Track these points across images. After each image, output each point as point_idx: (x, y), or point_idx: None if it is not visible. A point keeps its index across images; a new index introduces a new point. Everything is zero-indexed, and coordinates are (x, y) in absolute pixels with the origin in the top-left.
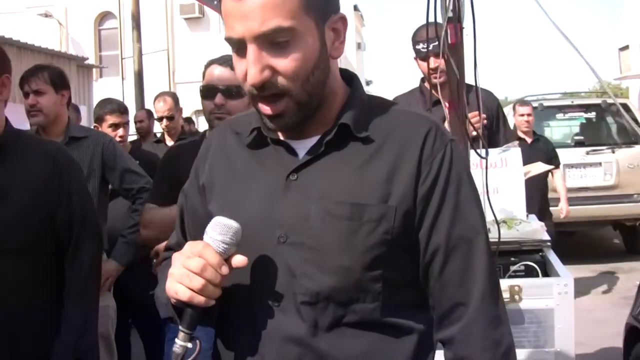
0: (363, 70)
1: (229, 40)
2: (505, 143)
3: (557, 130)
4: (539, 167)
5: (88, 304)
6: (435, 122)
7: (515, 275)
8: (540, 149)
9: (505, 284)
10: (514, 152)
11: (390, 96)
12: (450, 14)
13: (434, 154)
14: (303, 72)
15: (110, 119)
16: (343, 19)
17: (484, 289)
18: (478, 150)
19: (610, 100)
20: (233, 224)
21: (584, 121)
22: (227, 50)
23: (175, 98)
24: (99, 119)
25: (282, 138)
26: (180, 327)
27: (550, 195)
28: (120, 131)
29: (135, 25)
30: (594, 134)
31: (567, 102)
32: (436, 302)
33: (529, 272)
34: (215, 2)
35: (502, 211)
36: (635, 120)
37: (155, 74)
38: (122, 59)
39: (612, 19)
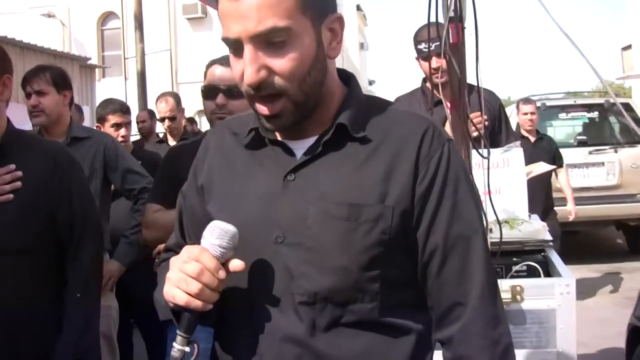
0: (366, 70)
1: (225, 40)
2: (507, 143)
3: (560, 130)
4: (541, 167)
5: (89, 303)
6: (432, 121)
7: (517, 275)
8: (543, 148)
9: (507, 284)
10: (516, 152)
11: (392, 96)
12: (451, 14)
13: (431, 154)
14: (300, 72)
15: (113, 119)
16: (340, 19)
17: (482, 289)
18: (480, 150)
19: (613, 100)
20: (230, 228)
21: (587, 121)
22: None
23: (177, 98)
24: (101, 119)
25: (279, 138)
26: (178, 331)
27: (555, 195)
28: (123, 131)
29: (137, 25)
30: (596, 134)
31: (570, 101)
32: (434, 302)
33: (531, 273)
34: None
35: (504, 211)
36: (637, 120)
37: (157, 74)
38: (124, 59)
39: (615, 18)
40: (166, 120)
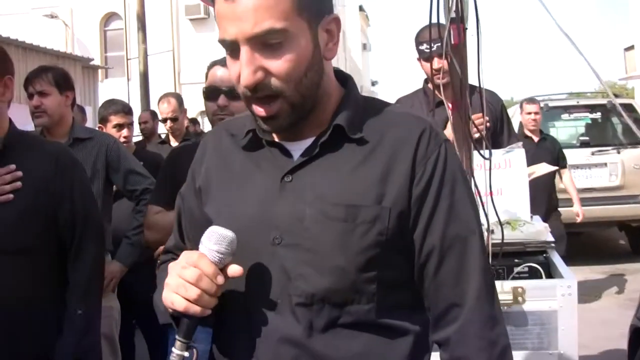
0: (368, 70)
1: (222, 42)
2: (509, 144)
3: (563, 130)
4: (543, 168)
5: (90, 304)
6: (429, 122)
7: (519, 276)
8: (547, 149)
9: (508, 285)
10: (517, 153)
11: (395, 97)
12: (453, 15)
13: (428, 155)
14: (296, 73)
15: (115, 120)
16: (336, 20)
17: (479, 289)
18: (481, 152)
19: (615, 101)
20: (228, 233)
21: (590, 121)
22: None
23: (179, 99)
24: (103, 120)
25: (276, 140)
26: (177, 336)
27: (560, 196)
28: (125, 132)
29: (140, 26)
30: (599, 135)
31: (573, 102)
32: (431, 303)
33: (533, 274)
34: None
35: (506, 212)
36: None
37: (160, 75)
38: (127, 59)
39: (618, 19)
40: (168, 121)
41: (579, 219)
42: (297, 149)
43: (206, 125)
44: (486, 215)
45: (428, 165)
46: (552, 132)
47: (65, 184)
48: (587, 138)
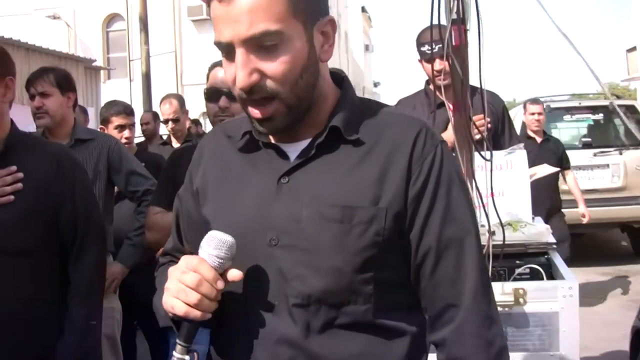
0: (371, 71)
1: (218, 44)
2: (510, 146)
3: (565, 131)
4: (544, 169)
5: (92, 305)
6: (425, 123)
7: (520, 278)
8: (550, 150)
9: (509, 286)
10: (519, 154)
11: (397, 97)
12: (454, 16)
13: (424, 156)
14: (292, 75)
15: (116, 121)
16: (332, 22)
17: (476, 289)
18: (482, 153)
19: (617, 102)
20: (228, 238)
21: (592, 123)
22: None
23: (181, 100)
24: (104, 121)
25: (273, 141)
26: (177, 340)
27: (564, 197)
28: (126, 133)
29: (143, 27)
30: (601, 136)
31: (575, 103)
32: (428, 303)
33: (534, 275)
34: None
35: (507, 214)
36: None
37: (162, 76)
38: (129, 60)
39: (620, 20)
40: (170, 122)
41: (585, 220)
42: (294, 150)
43: (208, 127)
44: (487, 217)
45: (424, 166)
46: (555, 134)
47: (66, 185)
48: (589, 139)
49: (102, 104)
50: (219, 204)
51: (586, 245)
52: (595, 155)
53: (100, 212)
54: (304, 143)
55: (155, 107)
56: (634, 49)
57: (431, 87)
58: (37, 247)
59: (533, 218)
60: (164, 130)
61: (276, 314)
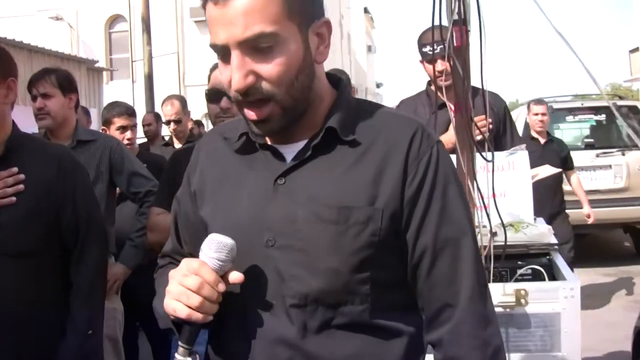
0: (373, 72)
1: (213, 47)
2: (512, 147)
3: (567, 132)
4: (546, 170)
5: (93, 306)
6: (421, 123)
7: (522, 279)
8: (553, 151)
9: (511, 287)
10: (521, 155)
11: (400, 98)
12: (455, 17)
13: (420, 156)
14: (287, 77)
15: (118, 122)
16: (327, 24)
17: (472, 290)
18: (484, 154)
19: (620, 103)
20: (228, 241)
21: (594, 123)
22: None
23: (182, 101)
24: (106, 122)
25: (269, 143)
26: (179, 342)
27: (567, 197)
28: (128, 134)
29: (145, 28)
30: (604, 137)
31: (577, 104)
32: (425, 303)
33: (536, 276)
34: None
35: (509, 214)
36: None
37: (165, 77)
38: (132, 61)
39: (623, 21)
40: (172, 123)
41: (590, 220)
42: (290, 151)
43: (210, 127)
44: (489, 218)
45: (420, 166)
46: (557, 134)
47: (67, 187)
48: (591, 140)
49: (105, 105)
50: (216, 206)
51: (589, 246)
52: (597, 156)
53: (101, 214)
54: (301, 144)
55: (158, 108)
56: (636, 49)
57: (432, 87)
58: (38, 248)
59: (535, 219)
60: (166, 131)
61: (273, 314)
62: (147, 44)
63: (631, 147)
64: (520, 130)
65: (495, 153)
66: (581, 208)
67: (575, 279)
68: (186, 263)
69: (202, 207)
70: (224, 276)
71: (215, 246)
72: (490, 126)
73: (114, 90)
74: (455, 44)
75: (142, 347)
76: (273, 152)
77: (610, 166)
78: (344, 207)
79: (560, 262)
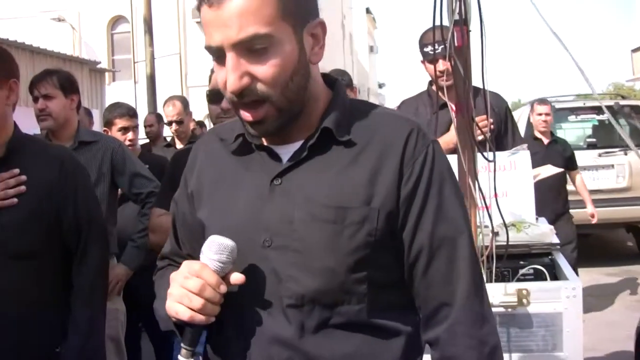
0: (375, 72)
1: (208, 49)
2: (513, 147)
3: (570, 132)
4: (548, 170)
5: (95, 307)
6: (416, 123)
7: (524, 278)
8: (557, 151)
9: (513, 287)
10: (522, 154)
11: (402, 98)
12: (456, 17)
13: (415, 156)
14: (282, 78)
15: (120, 123)
16: (322, 25)
17: (469, 288)
18: (485, 154)
19: (623, 102)
20: (228, 242)
21: (596, 123)
22: None
23: (184, 102)
24: (108, 123)
25: (265, 143)
26: (182, 344)
27: (571, 197)
28: (130, 135)
29: (147, 29)
30: (606, 136)
31: (580, 104)
32: (421, 302)
33: (538, 276)
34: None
35: (511, 214)
36: None
37: (167, 78)
38: (134, 62)
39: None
40: (173, 124)
41: (594, 220)
42: (286, 152)
43: None
44: (490, 217)
45: (416, 165)
46: (559, 134)
47: (69, 188)
48: (594, 140)
49: (106, 106)
50: (213, 207)
51: (591, 245)
52: (600, 155)
53: (102, 215)
54: (296, 145)
55: (160, 109)
56: (639, 49)
57: (434, 88)
58: (40, 249)
59: (537, 218)
60: (168, 132)
61: (271, 314)
62: (149, 45)
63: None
64: (522, 130)
65: (497, 153)
66: (584, 207)
67: (577, 279)
68: (187, 265)
69: (199, 209)
70: (225, 277)
71: (215, 248)
72: (492, 126)
73: (116, 91)
74: (456, 44)
75: (144, 348)
76: (269, 152)
77: (612, 166)
78: (340, 207)
79: (562, 261)
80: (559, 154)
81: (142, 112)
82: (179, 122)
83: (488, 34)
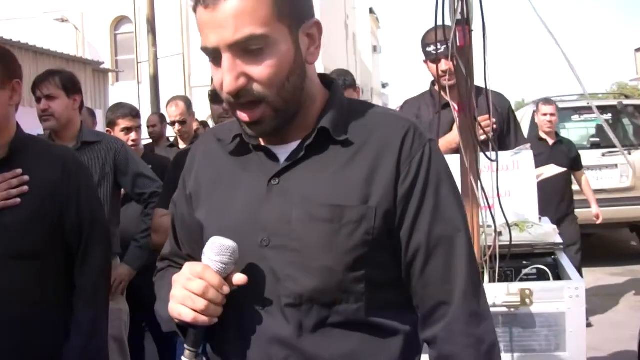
0: (379, 72)
1: (204, 50)
2: (516, 147)
3: (573, 132)
4: (551, 170)
5: (97, 307)
6: (413, 122)
7: (527, 278)
8: (562, 152)
9: (516, 287)
10: (525, 154)
11: (405, 98)
12: (458, 17)
13: (412, 154)
14: (278, 78)
15: (123, 123)
16: (317, 25)
17: (466, 287)
18: (487, 154)
19: (626, 102)
20: (230, 243)
21: (600, 123)
22: None
23: (187, 102)
24: (111, 124)
25: (263, 144)
26: (185, 346)
27: (575, 197)
28: (133, 135)
29: (150, 29)
30: (609, 136)
31: (583, 103)
32: (419, 301)
33: (541, 276)
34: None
35: (514, 214)
36: None
37: (170, 78)
38: (137, 63)
39: (629, 20)
40: (176, 125)
41: (598, 221)
42: (284, 152)
43: None
44: (493, 217)
45: (413, 164)
46: (563, 134)
47: (71, 188)
48: (597, 139)
49: (109, 107)
50: (211, 208)
51: (595, 245)
52: (603, 155)
53: (105, 216)
54: (294, 145)
55: (164, 110)
56: None
57: (436, 87)
58: (42, 250)
59: (540, 218)
60: (171, 132)
61: (269, 313)
62: (153, 45)
63: (637, 146)
64: (526, 130)
65: (500, 153)
66: (587, 207)
67: (580, 279)
68: (189, 267)
69: (197, 209)
70: (227, 278)
71: (217, 249)
72: (494, 126)
73: (119, 92)
74: (458, 44)
75: (148, 348)
76: (266, 153)
77: (616, 165)
78: (338, 207)
79: (566, 261)
80: (564, 154)
81: (146, 113)
82: (182, 123)
83: (490, 33)
